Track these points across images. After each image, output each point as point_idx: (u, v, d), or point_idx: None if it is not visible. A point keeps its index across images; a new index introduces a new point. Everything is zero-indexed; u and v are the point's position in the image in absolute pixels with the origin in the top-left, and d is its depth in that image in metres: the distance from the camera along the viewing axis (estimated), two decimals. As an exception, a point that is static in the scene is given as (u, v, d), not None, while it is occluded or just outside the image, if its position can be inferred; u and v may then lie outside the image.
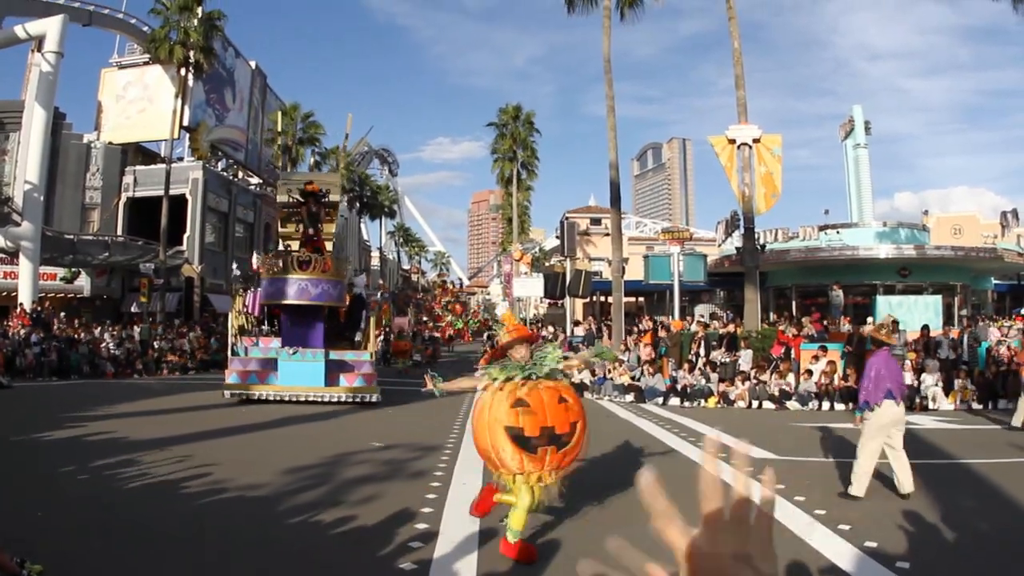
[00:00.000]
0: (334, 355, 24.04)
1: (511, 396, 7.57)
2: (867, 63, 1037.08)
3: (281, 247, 27.21)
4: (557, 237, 51.16)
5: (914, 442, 16.04)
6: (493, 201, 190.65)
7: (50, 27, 42.58)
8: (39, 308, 38.30)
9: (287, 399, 22.36)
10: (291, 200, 25.59)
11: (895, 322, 14.04)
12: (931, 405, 22.48)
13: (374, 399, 22.85)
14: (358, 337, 26.70)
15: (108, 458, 12.31)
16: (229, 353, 25.00)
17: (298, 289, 23.42)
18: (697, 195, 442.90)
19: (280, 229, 27.78)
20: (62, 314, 39.42)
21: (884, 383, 11.04)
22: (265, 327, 27.36)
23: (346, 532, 8.53)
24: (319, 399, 22.63)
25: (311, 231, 25.09)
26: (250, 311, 26.42)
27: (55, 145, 46.94)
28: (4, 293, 42.57)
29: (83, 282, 49.04)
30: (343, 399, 22.85)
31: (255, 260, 28.38)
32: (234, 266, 32.44)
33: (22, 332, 32.71)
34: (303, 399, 22.49)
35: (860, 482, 10.55)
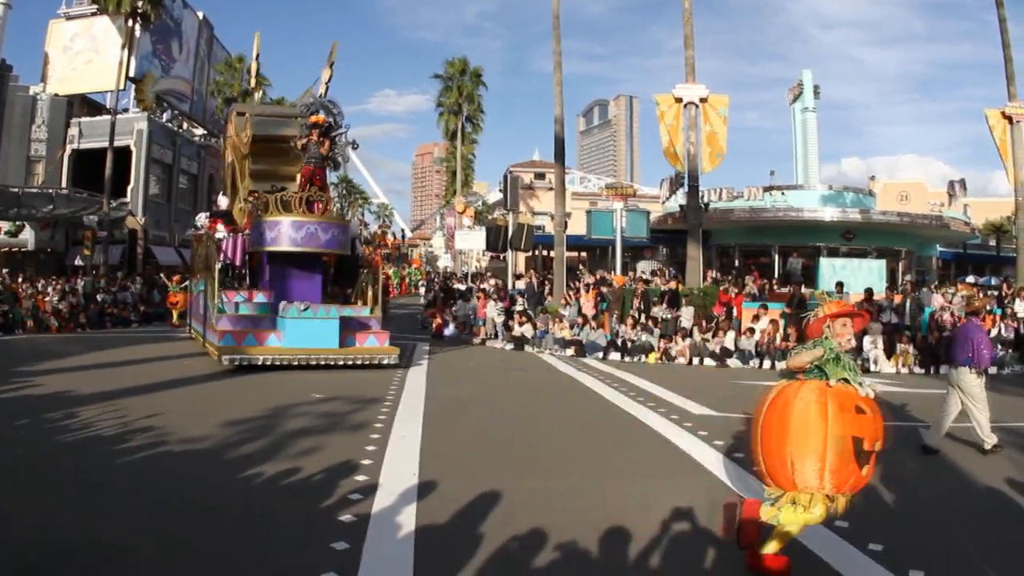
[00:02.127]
0: (347, 311, 21.49)
1: (848, 399, 6.29)
2: (820, 30, 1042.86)
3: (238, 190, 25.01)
4: (500, 191, 51.03)
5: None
6: (437, 154, 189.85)
7: (-3, -22, 42.04)
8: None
9: (295, 363, 19.18)
10: (299, 138, 22.44)
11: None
12: (872, 367, 22.68)
13: (391, 361, 20.21)
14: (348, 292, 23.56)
15: (51, 412, 12.21)
16: (212, 310, 21.33)
17: (306, 234, 20.79)
18: (642, 153, 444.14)
19: (252, 167, 24.71)
20: (5, 270, 39.02)
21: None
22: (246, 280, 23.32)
23: (287, 485, 8.53)
24: (332, 362, 19.64)
25: (312, 170, 22.21)
26: (230, 259, 22.67)
27: (1, 97, 46.39)
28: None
29: (27, 235, 48.69)
30: (359, 362, 19.95)
31: (222, 201, 26.31)
32: (203, 216, 28.41)
33: (-35, 288, 32.31)
34: (313, 363, 19.40)
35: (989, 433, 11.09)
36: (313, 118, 22.21)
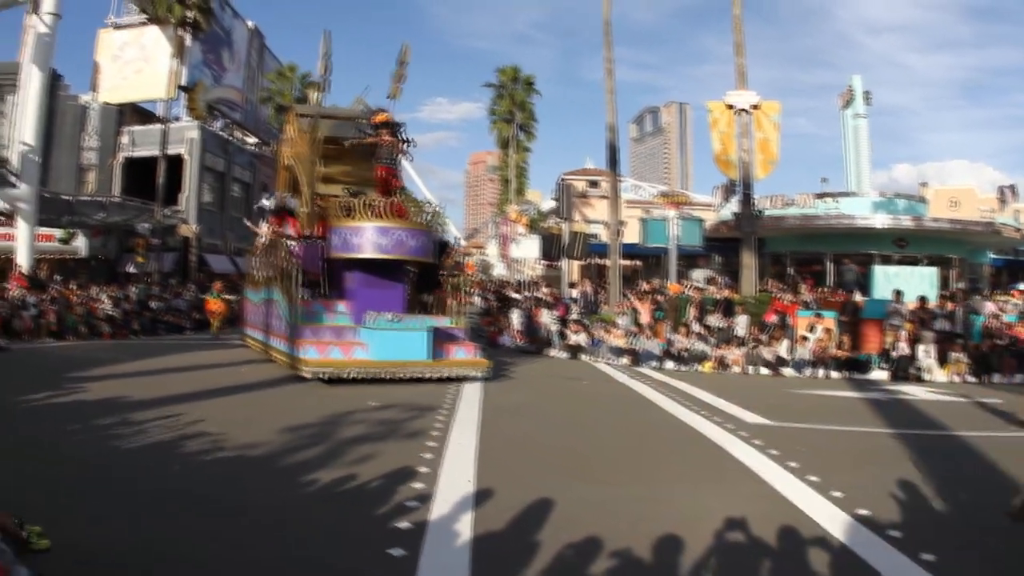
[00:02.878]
0: (436, 322, 20.24)
1: None
2: (868, 36, 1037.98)
3: (296, 194, 23.72)
4: (554, 199, 51.15)
5: (908, 413, 16.22)
6: (491, 162, 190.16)
7: (48, -12, 42.41)
8: (36, 269, 38.34)
9: (383, 377, 18.05)
10: (361, 136, 21.85)
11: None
12: (925, 376, 22.55)
13: (481, 375, 19.23)
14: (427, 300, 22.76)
15: (107, 418, 12.28)
16: (283, 319, 20.54)
17: (394, 241, 19.88)
18: (695, 160, 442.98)
19: (323, 170, 23.17)
20: (57, 276, 39.44)
21: None
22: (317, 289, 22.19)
23: (343, 491, 8.55)
24: (422, 376, 18.51)
25: (388, 171, 21.45)
26: (304, 266, 20.93)
27: (51, 106, 46.81)
28: (1, 255, 42.57)
29: (79, 243, 49.07)
30: (449, 375, 18.87)
31: (288, 200, 24.51)
32: (266, 199, 26.86)
33: (19, 294, 32.67)
34: (403, 376, 18.22)
35: None
36: (379, 117, 21.55)
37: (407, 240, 20.16)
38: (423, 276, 22.60)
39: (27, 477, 8.78)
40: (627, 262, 51.72)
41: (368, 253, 20.05)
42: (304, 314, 19.90)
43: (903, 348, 23.36)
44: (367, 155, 22.41)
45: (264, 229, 25.96)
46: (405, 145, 22.03)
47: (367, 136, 21.80)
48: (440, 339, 19.82)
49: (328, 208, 21.53)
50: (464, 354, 20.06)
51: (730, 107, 31.55)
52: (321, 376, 17.69)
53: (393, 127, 21.55)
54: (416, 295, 22.65)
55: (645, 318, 27.54)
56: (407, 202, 21.98)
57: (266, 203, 25.28)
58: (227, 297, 35.25)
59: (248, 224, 29.07)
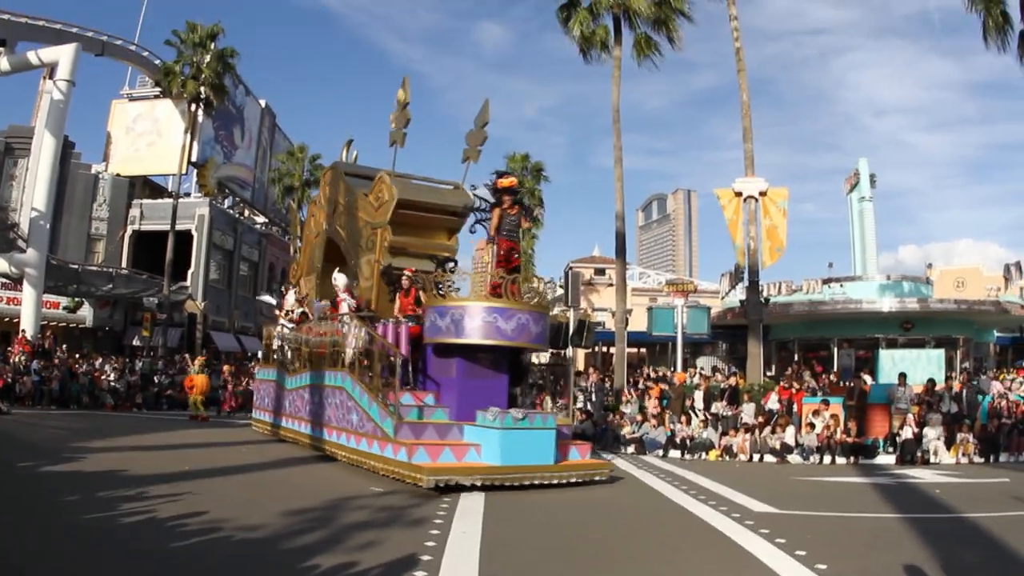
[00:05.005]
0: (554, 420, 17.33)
1: None
2: (873, 118, 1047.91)
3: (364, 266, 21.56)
4: (561, 287, 51.14)
5: (916, 496, 16.06)
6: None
7: (63, 55, 43.12)
8: (41, 336, 38.42)
9: (506, 484, 15.31)
10: (482, 205, 19.68)
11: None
12: (932, 459, 22.42)
13: (603, 478, 16.99)
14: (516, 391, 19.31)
15: (106, 491, 12.29)
16: (369, 413, 17.37)
17: (517, 326, 16.90)
18: (701, 247, 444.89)
19: (389, 237, 20.68)
20: (63, 345, 39.51)
21: None
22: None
23: (345, 578, 8.42)
24: (548, 482, 15.94)
25: (511, 245, 18.68)
26: (390, 351, 17.76)
27: (63, 173, 47.31)
28: (6, 319, 42.77)
29: (86, 312, 49.49)
30: (573, 480, 16.39)
31: (291, 296, 23.84)
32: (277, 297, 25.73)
33: (23, 359, 32.72)
34: (528, 483, 15.61)
35: None
36: (504, 181, 18.74)
37: (531, 325, 17.23)
38: (513, 364, 19.07)
39: (26, 544, 8.77)
40: (632, 349, 51.81)
41: (484, 338, 16.99)
42: (401, 410, 16.57)
43: (909, 431, 23.24)
44: (436, 224, 21.57)
45: (289, 302, 25.20)
46: (529, 217, 19.76)
47: (492, 203, 19.12)
48: (560, 438, 17.27)
49: (425, 282, 18.47)
50: (578, 455, 17.66)
51: (738, 194, 31.63)
52: (441, 484, 14.53)
53: (516, 194, 19.15)
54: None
55: (653, 406, 27.38)
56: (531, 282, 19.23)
57: (338, 279, 21.45)
58: (206, 370, 32.43)
59: (275, 298, 27.48)
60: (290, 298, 25.52)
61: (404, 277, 19.54)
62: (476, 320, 16.83)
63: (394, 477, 15.61)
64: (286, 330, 25.06)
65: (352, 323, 19.36)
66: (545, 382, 21.23)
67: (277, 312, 27.85)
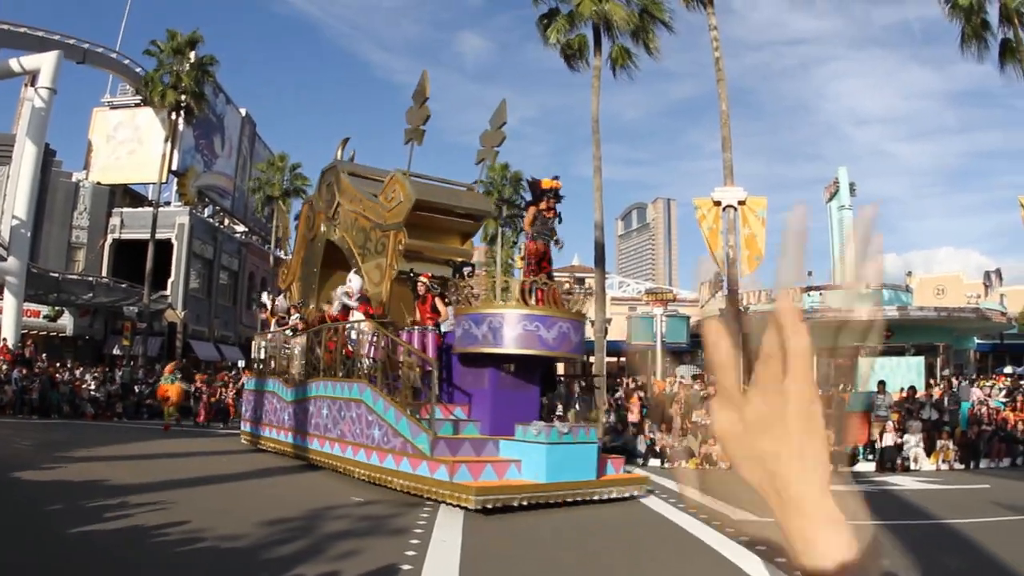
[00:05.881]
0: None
1: None
2: (855, 127, 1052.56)
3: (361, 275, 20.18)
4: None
5: (896, 503, 16.13)
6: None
7: (45, 63, 43.04)
8: (22, 345, 38.31)
9: (551, 502, 14.56)
10: (534, 212, 17.48)
11: None
12: (912, 466, 22.53)
13: (641, 494, 16.28)
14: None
15: (87, 500, 12.29)
16: (408, 424, 15.62)
17: (559, 335, 15.79)
18: (681, 255, 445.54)
19: (405, 241, 19.39)
20: (44, 354, 39.38)
21: None
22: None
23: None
24: (590, 498, 15.21)
25: (545, 248, 17.67)
26: (423, 362, 16.43)
27: (44, 182, 47.24)
28: (-14, 328, 42.56)
29: (66, 321, 49.33)
30: (615, 496, 15.70)
31: (280, 302, 22.99)
32: (275, 299, 23.66)
33: (3, 368, 32.63)
34: (571, 500, 14.84)
35: None
36: (549, 182, 17.54)
37: (571, 334, 16.24)
38: (545, 374, 18.27)
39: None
40: (612, 359, 51.86)
41: (526, 348, 15.83)
42: (434, 424, 15.05)
43: (889, 439, 23.33)
44: (450, 227, 20.76)
45: (282, 308, 24.10)
46: (559, 220, 17.96)
47: (528, 204, 18.07)
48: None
49: (460, 289, 17.02)
50: (612, 469, 16.70)
51: (717, 203, 31.73)
52: (488, 506, 13.54)
53: (559, 196, 17.70)
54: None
55: (633, 415, 27.39)
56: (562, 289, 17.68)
57: (354, 281, 19.72)
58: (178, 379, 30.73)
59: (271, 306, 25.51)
60: (282, 304, 24.52)
61: (420, 283, 18.18)
62: (517, 328, 15.69)
63: (429, 497, 14.43)
64: (295, 337, 22.94)
65: (370, 330, 18.07)
66: (568, 392, 20.38)
67: (265, 317, 27.29)
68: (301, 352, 21.79)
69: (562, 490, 14.66)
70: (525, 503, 14.01)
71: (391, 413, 16.18)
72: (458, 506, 13.47)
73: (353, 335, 18.85)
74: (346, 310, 19.55)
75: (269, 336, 25.16)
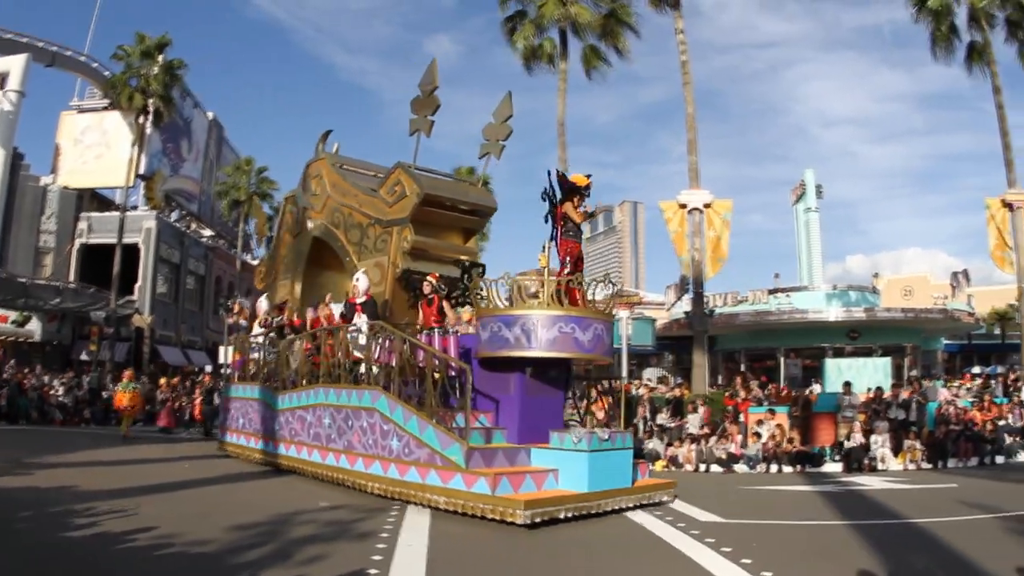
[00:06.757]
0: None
1: None
2: (823, 129, 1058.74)
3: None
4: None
5: (863, 503, 16.23)
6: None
7: (13, 65, 42.95)
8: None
9: (592, 512, 13.75)
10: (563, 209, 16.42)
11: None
12: (880, 466, 22.59)
13: (671, 499, 15.77)
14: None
15: (54, 507, 12.31)
16: (435, 433, 14.41)
17: (593, 337, 15.15)
18: (647, 258, 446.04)
19: (411, 238, 18.85)
20: (12, 360, 39.20)
21: None
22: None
23: (292, 593, 8.45)
24: (625, 507, 14.57)
25: (577, 247, 16.83)
26: (452, 368, 15.61)
27: (11, 185, 47.00)
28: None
29: (34, 327, 49.01)
30: (645, 503, 15.14)
31: (262, 303, 22.04)
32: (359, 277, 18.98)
33: (-31, 373, 32.52)
34: (610, 509, 14.13)
35: None
36: (580, 179, 16.63)
37: (604, 336, 15.68)
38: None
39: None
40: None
41: (561, 351, 15.11)
42: (465, 432, 13.96)
43: (857, 439, 23.43)
44: (455, 224, 20.06)
45: (264, 310, 22.90)
46: (588, 218, 17.22)
47: (559, 200, 16.69)
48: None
49: (488, 291, 16.45)
50: (639, 475, 15.99)
51: (683, 206, 31.92)
52: (537, 520, 12.59)
53: (584, 194, 16.64)
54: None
55: (600, 418, 27.37)
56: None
57: (361, 280, 18.44)
58: (137, 387, 30.00)
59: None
60: (263, 304, 23.21)
61: (426, 283, 17.21)
62: (552, 331, 14.89)
63: (466, 512, 13.34)
64: (291, 341, 21.08)
65: (381, 333, 16.81)
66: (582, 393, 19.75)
67: (243, 320, 26.02)
68: (294, 356, 20.35)
69: (603, 499, 14.02)
70: (571, 515, 13.21)
71: (413, 422, 15.01)
72: (503, 521, 12.61)
73: (361, 339, 17.45)
74: (351, 313, 18.29)
75: (251, 340, 23.76)
